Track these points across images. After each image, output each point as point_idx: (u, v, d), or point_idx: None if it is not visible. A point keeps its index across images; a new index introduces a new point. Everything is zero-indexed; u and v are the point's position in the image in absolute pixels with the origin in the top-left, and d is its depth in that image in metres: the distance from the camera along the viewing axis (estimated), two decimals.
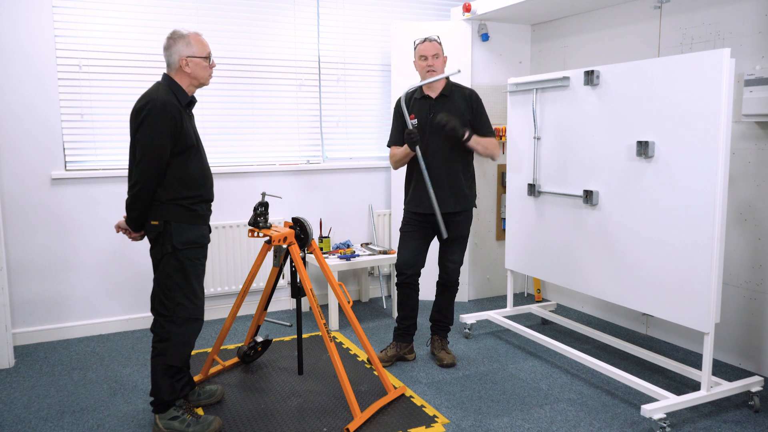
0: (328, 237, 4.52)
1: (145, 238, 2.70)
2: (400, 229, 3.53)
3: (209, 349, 3.73)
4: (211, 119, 4.25)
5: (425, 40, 3.34)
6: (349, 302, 3.10)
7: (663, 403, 2.72)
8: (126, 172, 3.98)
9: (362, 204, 4.82)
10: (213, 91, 4.22)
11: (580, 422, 2.82)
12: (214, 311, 4.35)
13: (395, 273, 3.53)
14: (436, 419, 2.85)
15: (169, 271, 2.57)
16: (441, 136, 3.29)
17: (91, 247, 3.98)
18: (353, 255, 4.27)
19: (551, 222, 3.62)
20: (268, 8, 4.36)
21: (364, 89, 4.75)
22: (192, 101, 2.68)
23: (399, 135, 3.41)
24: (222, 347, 3.78)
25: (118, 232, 2.72)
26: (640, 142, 2.97)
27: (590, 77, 3.24)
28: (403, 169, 3.59)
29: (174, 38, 2.59)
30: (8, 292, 3.63)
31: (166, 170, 2.53)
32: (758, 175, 3.26)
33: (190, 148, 2.58)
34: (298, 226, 3.07)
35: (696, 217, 2.74)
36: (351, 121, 4.75)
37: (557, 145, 3.54)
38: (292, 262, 3.05)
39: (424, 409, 2.95)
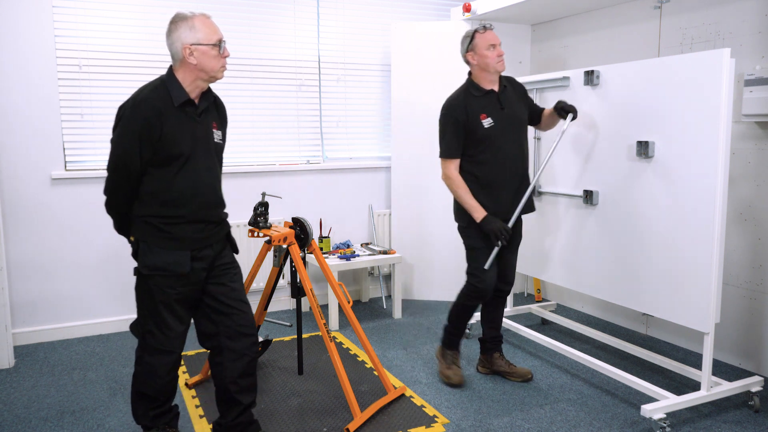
0: (328, 237, 4.52)
1: None
2: (476, 245, 3.06)
3: None
4: None
5: (484, 27, 2.96)
6: (349, 302, 3.10)
7: (663, 403, 2.72)
8: None
9: (362, 204, 4.82)
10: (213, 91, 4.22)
11: (580, 422, 2.82)
12: None
13: (473, 292, 3.10)
14: (436, 419, 2.85)
15: (139, 295, 2.34)
16: (517, 130, 3.06)
17: (91, 247, 3.98)
18: (353, 255, 4.27)
19: (551, 222, 3.62)
20: (268, 8, 4.36)
21: (364, 89, 4.75)
22: (191, 100, 2.23)
23: (461, 146, 3.01)
24: None
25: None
26: (640, 142, 2.97)
27: (590, 77, 3.24)
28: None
29: (175, 22, 2.17)
30: (8, 292, 3.63)
31: (142, 180, 2.19)
32: (758, 175, 3.26)
33: (177, 158, 2.17)
34: (298, 226, 3.07)
35: (696, 217, 2.74)
36: (351, 121, 4.75)
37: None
38: (292, 262, 3.05)
39: (424, 409, 2.95)
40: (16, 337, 3.83)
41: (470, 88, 3.04)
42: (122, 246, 4.04)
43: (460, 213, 3.10)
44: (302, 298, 3.27)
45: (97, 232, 3.98)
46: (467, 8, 4.47)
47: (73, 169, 3.92)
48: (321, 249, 4.44)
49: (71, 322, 3.99)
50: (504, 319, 3.90)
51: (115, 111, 3.91)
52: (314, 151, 4.66)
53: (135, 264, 2.33)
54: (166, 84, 2.19)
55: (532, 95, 3.68)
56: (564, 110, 3.08)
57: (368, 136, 4.83)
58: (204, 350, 3.72)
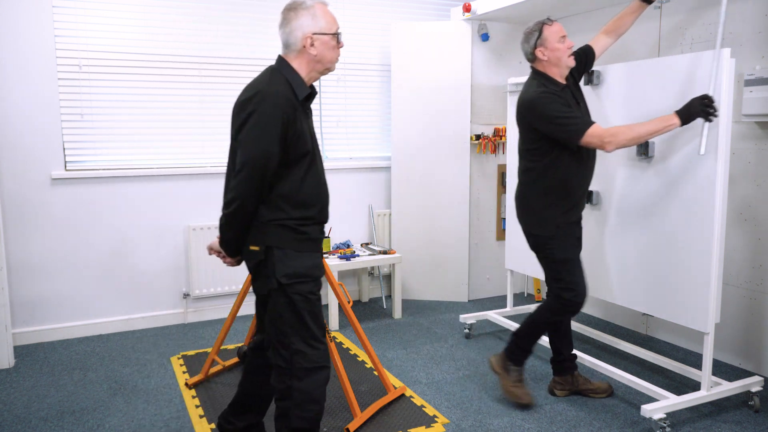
0: (328, 237, 4.52)
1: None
2: (566, 257, 2.79)
3: (209, 349, 3.73)
4: (212, 119, 4.25)
5: (549, 20, 2.77)
6: (349, 302, 3.10)
7: (663, 403, 2.72)
8: (129, 172, 4.01)
9: (362, 204, 4.82)
10: (214, 91, 4.23)
11: (580, 422, 2.82)
12: (214, 311, 4.36)
13: (569, 307, 2.81)
14: (436, 419, 2.85)
15: (280, 310, 2.06)
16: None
17: (91, 247, 3.98)
18: (353, 255, 4.27)
19: None
20: (268, 8, 4.35)
21: (364, 89, 4.75)
22: (311, 94, 2.11)
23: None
24: (222, 347, 3.78)
25: (210, 254, 2.26)
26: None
27: (590, 77, 3.23)
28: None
29: (295, 9, 2.02)
30: (8, 292, 3.63)
31: (272, 183, 2.00)
32: (758, 175, 3.26)
33: (305, 156, 2.04)
34: None
35: (696, 217, 2.74)
36: (351, 121, 4.75)
37: None
38: None
39: (424, 409, 2.95)
40: (16, 337, 3.83)
41: (547, 83, 2.73)
42: (122, 246, 4.05)
43: (540, 222, 2.81)
44: None
45: (97, 232, 3.99)
46: (467, 8, 4.47)
47: (73, 169, 3.92)
48: None
49: (71, 322, 3.99)
50: (504, 319, 3.91)
51: (115, 111, 3.98)
52: None
53: (252, 285, 2.12)
54: (285, 75, 2.04)
55: None
56: None
57: (368, 136, 4.83)
58: (203, 350, 3.73)
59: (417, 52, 4.59)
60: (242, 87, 4.56)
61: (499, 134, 4.73)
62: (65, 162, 3.90)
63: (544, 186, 2.79)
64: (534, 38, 2.76)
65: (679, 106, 2.77)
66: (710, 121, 2.57)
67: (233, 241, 2.07)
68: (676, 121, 2.58)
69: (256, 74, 4.68)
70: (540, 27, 2.75)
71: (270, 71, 2.05)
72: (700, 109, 2.55)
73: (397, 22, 4.65)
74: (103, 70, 3.93)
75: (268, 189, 1.99)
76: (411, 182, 4.71)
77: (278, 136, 1.94)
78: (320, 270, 2.11)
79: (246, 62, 4.31)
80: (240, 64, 4.29)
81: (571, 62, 2.77)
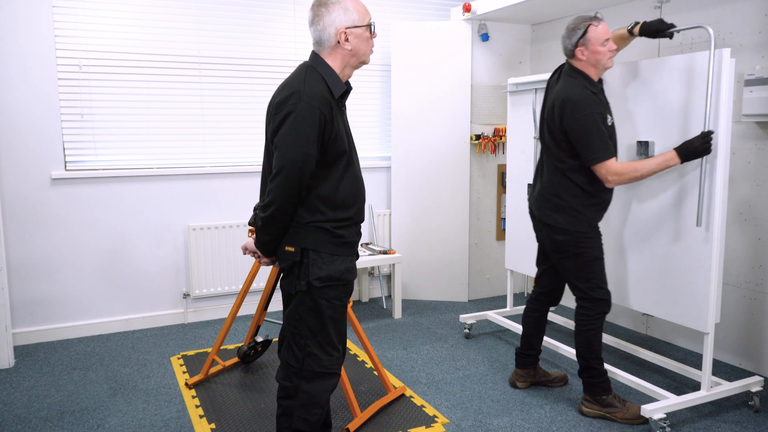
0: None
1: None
2: (598, 255, 2.79)
3: (209, 349, 3.73)
4: (212, 119, 4.25)
5: (597, 19, 2.68)
6: (349, 302, 3.10)
7: (663, 403, 2.72)
8: (129, 172, 4.01)
9: None
10: (214, 91, 4.23)
11: (580, 422, 2.82)
12: (213, 311, 4.36)
13: (605, 306, 2.79)
14: (436, 419, 2.85)
15: (301, 312, 2.03)
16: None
17: (92, 247, 3.98)
18: None
19: None
20: (268, 8, 4.36)
21: (364, 89, 4.75)
22: (347, 90, 2.05)
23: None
24: (222, 347, 3.78)
25: (245, 253, 2.24)
26: (640, 142, 2.97)
27: None
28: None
29: (326, 5, 1.96)
30: (8, 292, 3.63)
31: (310, 185, 1.96)
32: (758, 175, 3.26)
33: (342, 155, 2.00)
34: None
35: (696, 217, 2.74)
36: (351, 121, 4.73)
37: None
38: None
39: (424, 409, 2.95)
40: (16, 337, 3.83)
41: (586, 83, 2.69)
42: (122, 246, 4.05)
43: (574, 220, 2.75)
44: None
45: (97, 232, 3.98)
46: (467, 8, 4.48)
47: (73, 169, 3.92)
48: None
49: (71, 322, 3.99)
50: (504, 319, 3.92)
51: (115, 111, 3.98)
52: None
53: (279, 282, 2.07)
54: (320, 73, 1.98)
55: (531, 95, 3.69)
56: (659, 31, 2.72)
57: (368, 136, 4.83)
58: (203, 350, 3.73)
59: (417, 52, 4.59)
60: (243, 87, 4.54)
61: (499, 134, 4.73)
62: (65, 162, 3.90)
63: (579, 183, 2.73)
64: (577, 36, 2.69)
65: (679, 106, 2.78)
66: (708, 153, 2.62)
67: (270, 243, 2.04)
68: (677, 160, 2.63)
69: (255, 74, 4.63)
70: (586, 26, 2.67)
71: (305, 69, 1.99)
72: (701, 148, 2.60)
73: (397, 22, 4.65)
74: (103, 70, 3.94)
75: (305, 191, 1.96)
76: (411, 182, 4.71)
77: (316, 138, 1.89)
78: (353, 274, 2.08)
79: (246, 62, 4.31)
80: (240, 64, 4.29)
81: (610, 64, 2.74)
